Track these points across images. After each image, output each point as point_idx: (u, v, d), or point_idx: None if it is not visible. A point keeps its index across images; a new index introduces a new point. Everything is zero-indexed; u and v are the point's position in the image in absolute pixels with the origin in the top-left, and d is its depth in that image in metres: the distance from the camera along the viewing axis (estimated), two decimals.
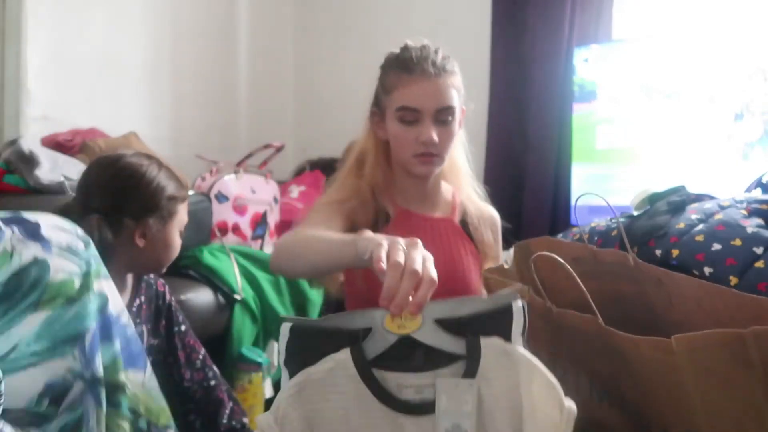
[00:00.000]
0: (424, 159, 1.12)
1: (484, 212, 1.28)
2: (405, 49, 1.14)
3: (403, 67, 1.11)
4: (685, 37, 1.98)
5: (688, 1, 2.22)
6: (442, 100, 1.10)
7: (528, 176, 2.34)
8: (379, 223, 1.15)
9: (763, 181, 1.60)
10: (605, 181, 2.09)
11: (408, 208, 1.19)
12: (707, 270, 1.27)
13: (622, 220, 1.65)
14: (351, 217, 1.11)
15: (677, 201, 1.50)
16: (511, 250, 1.12)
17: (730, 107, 1.86)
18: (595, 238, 1.56)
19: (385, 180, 1.19)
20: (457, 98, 1.14)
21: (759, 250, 1.24)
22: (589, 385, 0.86)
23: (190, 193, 1.45)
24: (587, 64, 2.14)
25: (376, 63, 1.20)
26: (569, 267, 0.85)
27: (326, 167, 2.47)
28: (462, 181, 1.27)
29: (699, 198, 1.54)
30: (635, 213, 1.61)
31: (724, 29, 1.93)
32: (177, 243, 1.10)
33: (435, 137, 1.09)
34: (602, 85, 2.10)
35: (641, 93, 2.03)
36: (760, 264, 1.22)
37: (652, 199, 1.57)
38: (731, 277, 1.24)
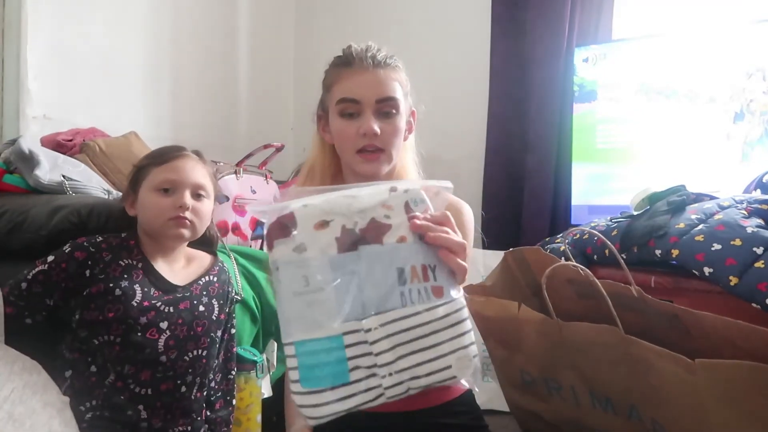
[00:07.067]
0: (367, 156, 1.06)
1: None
2: (347, 48, 1.12)
3: (343, 62, 1.10)
4: (685, 37, 1.98)
5: (688, 1, 2.22)
6: (382, 90, 1.06)
7: (528, 176, 2.34)
8: None
9: (763, 181, 1.60)
10: (605, 180, 2.09)
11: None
12: (707, 270, 1.27)
13: (620, 221, 1.65)
14: None
15: (677, 201, 1.50)
16: (491, 258, 1.08)
17: (730, 107, 1.85)
18: (595, 239, 1.56)
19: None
20: (401, 92, 1.09)
21: (759, 250, 1.24)
22: (590, 395, 0.85)
23: None
24: (587, 64, 2.14)
25: None
26: (589, 272, 0.83)
27: None
28: None
29: (699, 198, 1.54)
30: (635, 213, 1.61)
31: (724, 29, 1.92)
32: (153, 203, 1.16)
33: (376, 128, 1.05)
34: (602, 85, 2.10)
35: (641, 93, 2.03)
36: (760, 264, 1.22)
37: (652, 199, 1.58)
38: (731, 277, 1.24)
